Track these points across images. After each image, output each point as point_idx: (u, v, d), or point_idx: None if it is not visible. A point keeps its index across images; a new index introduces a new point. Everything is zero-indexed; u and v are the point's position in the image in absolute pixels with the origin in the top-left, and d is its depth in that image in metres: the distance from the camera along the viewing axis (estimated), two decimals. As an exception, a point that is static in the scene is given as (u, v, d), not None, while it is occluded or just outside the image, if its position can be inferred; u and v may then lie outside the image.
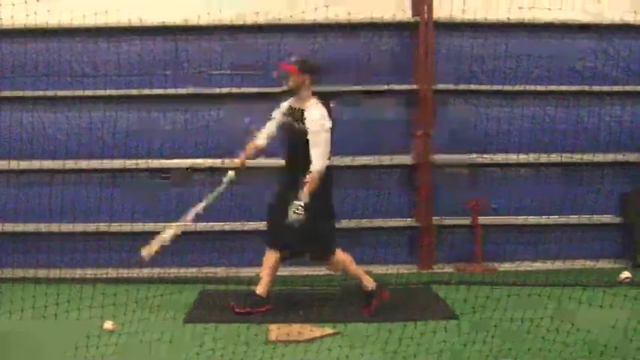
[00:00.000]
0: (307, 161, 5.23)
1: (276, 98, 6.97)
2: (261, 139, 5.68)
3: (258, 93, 7.12)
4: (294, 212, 5.05)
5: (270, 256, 5.53)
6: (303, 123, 5.33)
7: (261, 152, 5.77)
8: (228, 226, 7.10)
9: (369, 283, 5.53)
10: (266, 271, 5.53)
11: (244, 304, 5.48)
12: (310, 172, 5.17)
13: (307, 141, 5.29)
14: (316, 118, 5.30)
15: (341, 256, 5.48)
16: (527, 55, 7.21)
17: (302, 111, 5.40)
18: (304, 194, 5.09)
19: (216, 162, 7.06)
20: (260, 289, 5.53)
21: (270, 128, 5.67)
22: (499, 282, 6.49)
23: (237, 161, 5.64)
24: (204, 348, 4.58)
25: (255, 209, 7.01)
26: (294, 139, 5.44)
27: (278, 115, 5.64)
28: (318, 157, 5.20)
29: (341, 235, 5.89)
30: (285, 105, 5.62)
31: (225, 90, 7.14)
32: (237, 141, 7.06)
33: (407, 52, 7.23)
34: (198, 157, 7.15)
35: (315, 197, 5.14)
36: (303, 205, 5.06)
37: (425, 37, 7.06)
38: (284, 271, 6.89)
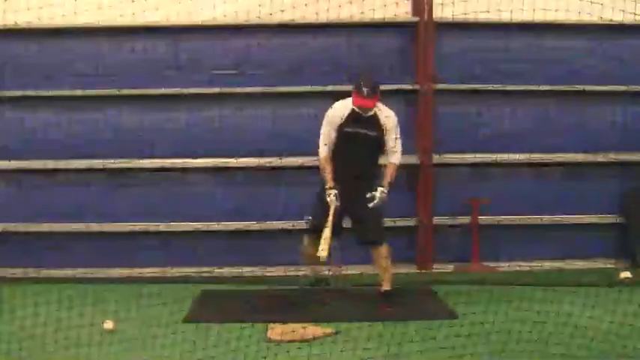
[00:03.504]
0: (377, 162, 5.70)
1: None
2: (328, 148, 5.61)
3: (261, 93, 7.13)
4: (379, 199, 5.50)
5: (384, 250, 5.67)
6: (377, 129, 5.53)
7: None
8: (229, 226, 7.10)
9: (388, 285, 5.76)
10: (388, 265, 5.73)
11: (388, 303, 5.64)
12: (391, 163, 5.65)
13: (378, 144, 5.58)
14: (391, 114, 5.59)
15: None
16: (527, 54, 7.21)
17: (375, 117, 5.52)
18: (388, 184, 5.58)
19: (218, 162, 7.08)
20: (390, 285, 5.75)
21: (331, 139, 5.59)
22: (499, 282, 6.49)
23: (332, 186, 5.53)
24: (204, 347, 4.58)
25: (256, 209, 7.04)
26: (363, 146, 5.55)
27: (336, 124, 5.55)
28: (400, 148, 5.65)
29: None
30: (343, 113, 5.53)
31: (226, 90, 7.14)
32: (238, 141, 7.13)
33: (407, 52, 7.23)
34: (198, 157, 7.15)
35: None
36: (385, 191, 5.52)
37: (425, 37, 7.06)
38: (282, 271, 6.95)
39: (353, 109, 5.51)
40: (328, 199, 5.49)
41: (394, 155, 5.64)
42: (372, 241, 5.69)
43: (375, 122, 5.54)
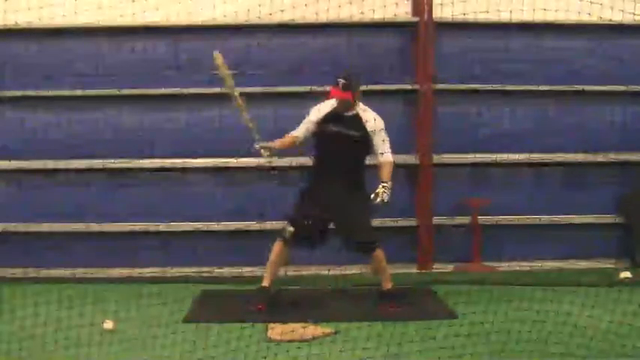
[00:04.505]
0: (361, 165, 5.63)
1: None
2: (301, 134, 5.64)
3: (262, 93, 7.12)
4: (385, 193, 5.41)
5: (380, 253, 5.64)
6: (360, 129, 5.51)
7: (296, 147, 5.76)
8: (229, 226, 7.10)
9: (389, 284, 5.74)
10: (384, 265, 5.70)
11: (393, 303, 5.63)
12: (383, 162, 5.55)
13: (362, 146, 5.54)
14: (376, 117, 5.55)
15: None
16: (526, 54, 7.21)
17: (357, 118, 5.52)
18: (388, 177, 5.49)
19: (218, 162, 7.08)
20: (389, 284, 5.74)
21: (309, 129, 5.62)
22: (499, 282, 6.49)
23: (271, 144, 5.57)
24: (203, 347, 4.59)
25: (256, 209, 7.04)
26: (346, 147, 5.53)
27: (317, 120, 5.59)
28: (389, 149, 5.57)
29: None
30: (325, 111, 5.58)
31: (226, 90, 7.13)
32: (237, 141, 7.12)
33: (407, 52, 7.23)
34: (198, 157, 7.15)
35: (365, 192, 5.52)
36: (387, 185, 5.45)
37: (425, 37, 7.06)
38: (282, 271, 6.94)
39: (334, 108, 5.55)
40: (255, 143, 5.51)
41: (384, 155, 5.57)
42: (367, 243, 5.57)
43: (358, 123, 5.53)
